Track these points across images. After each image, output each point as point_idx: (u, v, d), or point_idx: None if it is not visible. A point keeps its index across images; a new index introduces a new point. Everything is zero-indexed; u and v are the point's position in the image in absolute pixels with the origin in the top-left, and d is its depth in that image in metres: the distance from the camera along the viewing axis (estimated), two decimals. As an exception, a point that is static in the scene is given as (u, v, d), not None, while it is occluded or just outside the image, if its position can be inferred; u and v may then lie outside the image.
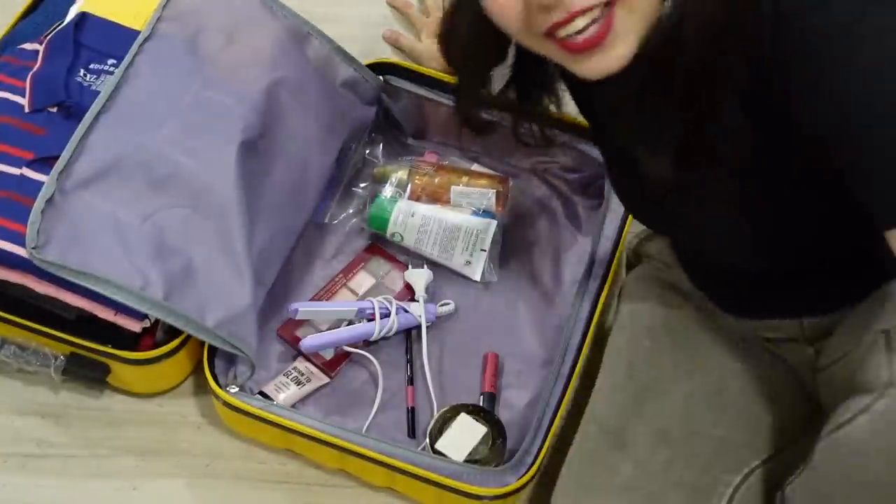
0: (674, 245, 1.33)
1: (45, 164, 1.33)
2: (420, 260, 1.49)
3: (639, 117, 1.04)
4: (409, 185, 1.52)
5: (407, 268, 1.49)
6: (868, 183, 0.90)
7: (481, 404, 1.37)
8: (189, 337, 1.37)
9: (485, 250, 1.48)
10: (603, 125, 1.19)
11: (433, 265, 1.49)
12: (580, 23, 0.93)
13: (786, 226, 1.06)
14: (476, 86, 1.18)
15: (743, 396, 1.24)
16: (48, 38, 1.46)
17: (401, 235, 1.49)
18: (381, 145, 1.60)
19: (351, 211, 1.55)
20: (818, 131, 0.91)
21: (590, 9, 0.92)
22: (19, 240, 1.28)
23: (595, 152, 1.48)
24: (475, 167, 1.59)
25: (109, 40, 1.44)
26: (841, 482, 1.01)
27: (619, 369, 1.29)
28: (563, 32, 0.94)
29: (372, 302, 1.43)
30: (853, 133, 0.89)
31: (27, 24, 1.54)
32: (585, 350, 1.39)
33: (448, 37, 1.17)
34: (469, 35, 1.10)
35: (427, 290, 1.47)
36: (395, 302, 1.44)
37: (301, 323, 1.44)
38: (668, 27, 0.95)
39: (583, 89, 1.15)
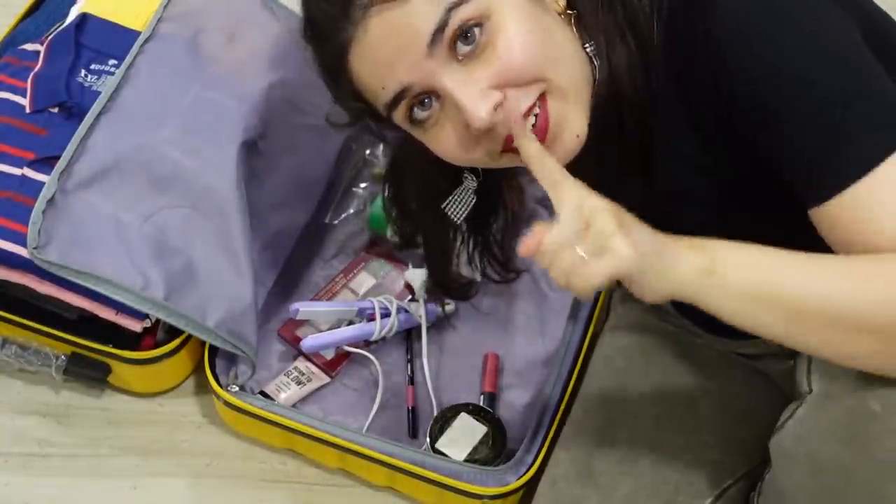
0: None
1: (46, 164, 1.33)
2: (420, 260, 1.49)
3: (599, 171, 1.04)
4: (410, 186, 1.52)
5: (407, 268, 1.50)
6: (795, 162, 0.91)
7: (481, 404, 1.38)
8: (190, 337, 1.37)
9: (485, 250, 1.48)
10: None
11: (433, 265, 1.49)
12: (528, 125, 0.94)
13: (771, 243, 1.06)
14: (443, 232, 1.20)
15: (717, 415, 1.23)
16: (49, 38, 1.46)
17: (401, 235, 1.49)
18: (381, 145, 1.60)
19: (351, 211, 1.55)
20: (745, 116, 0.92)
21: (528, 112, 0.94)
22: (21, 240, 1.28)
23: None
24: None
25: (110, 41, 1.45)
26: (784, 484, 1.01)
27: (592, 393, 1.29)
28: (518, 141, 0.95)
29: (372, 302, 1.44)
30: (774, 112, 0.89)
31: (28, 24, 1.54)
32: (585, 350, 1.39)
33: (399, 196, 1.22)
34: (420, 173, 1.13)
35: (427, 290, 1.47)
36: (395, 302, 1.44)
37: (301, 323, 1.44)
38: (604, 85, 0.97)
39: None
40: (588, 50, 0.97)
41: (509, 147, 0.96)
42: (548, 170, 0.90)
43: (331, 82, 0.99)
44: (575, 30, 0.97)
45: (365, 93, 0.97)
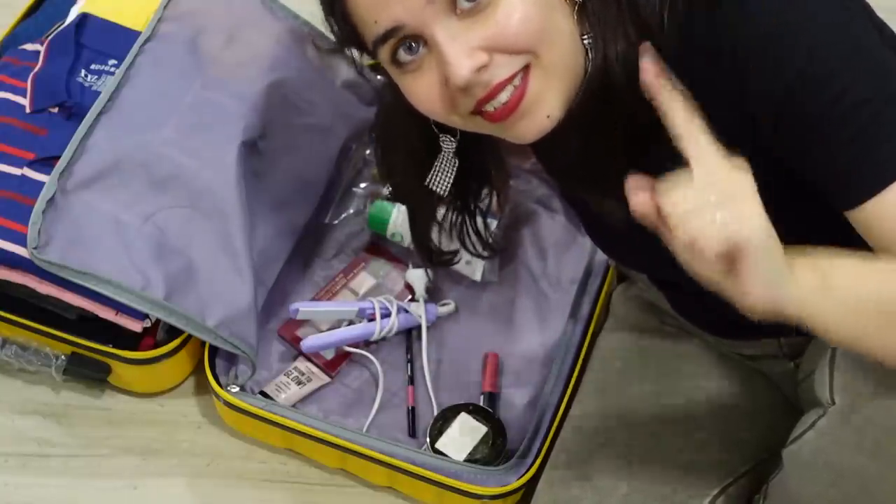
0: (652, 279, 1.32)
1: (46, 164, 1.33)
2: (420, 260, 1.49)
3: (585, 165, 1.05)
4: (409, 186, 1.52)
5: (407, 268, 1.50)
6: (825, 165, 0.89)
7: (481, 404, 1.38)
8: (190, 337, 1.37)
9: (485, 250, 1.48)
10: (559, 180, 1.20)
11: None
12: (503, 96, 0.94)
13: None
14: (426, 202, 1.18)
15: (715, 415, 1.23)
16: (49, 38, 1.46)
17: (401, 235, 1.49)
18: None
19: (351, 211, 1.55)
20: (774, 121, 0.91)
21: (509, 80, 0.93)
22: (21, 240, 1.28)
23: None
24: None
25: (110, 41, 1.45)
26: (799, 492, 1.01)
27: (590, 395, 1.29)
28: (488, 107, 0.94)
29: (372, 302, 1.44)
30: (804, 115, 0.88)
31: (28, 24, 1.54)
32: (585, 350, 1.39)
33: (386, 151, 1.20)
34: (403, 137, 1.11)
35: (427, 290, 1.47)
36: (395, 302, 1.44)
37: (301, 323, 1.44)
38: (595, 77, 0.96)
39: (536, 151, 1.16)
40: (585, 42, 0.96)
41: (479, 109, 0.95)
42: (691, 128, 0.86)
43: (327, 5, 0.97)
44: (577, 19, 0.97)
45: (357, 23, 0.96)
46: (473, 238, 1.25)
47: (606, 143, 1.00)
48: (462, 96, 0.94)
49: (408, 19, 0.92)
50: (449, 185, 1.11)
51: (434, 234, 1.24)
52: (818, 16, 0.90)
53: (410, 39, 0.93)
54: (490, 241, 1.28)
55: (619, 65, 0.95)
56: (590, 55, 0.96)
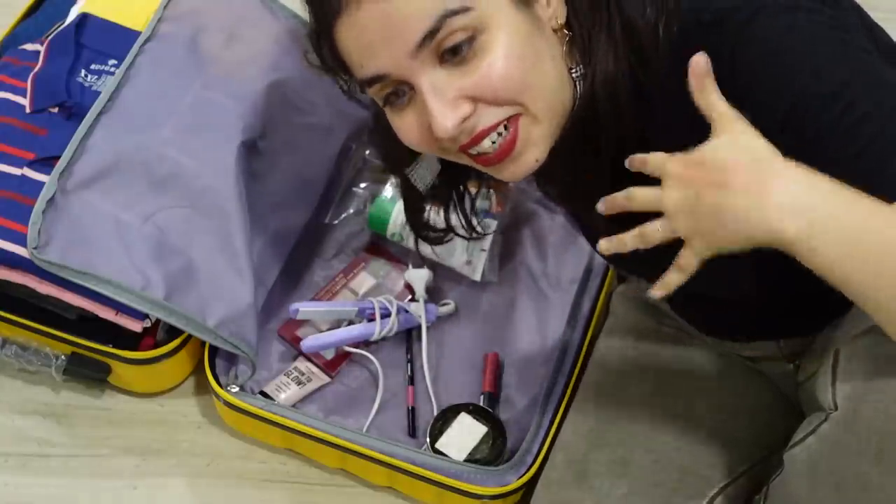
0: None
1: (46, 164, 1.34)
2: (420, 260, 1.50)
3: (573, 179, 1.06)
4: (410, 186, 1.52)
5: (407, 268, 1.50)
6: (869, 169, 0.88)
7: (481, 404, 1.38)
8: (190, 337, 1.37)
9: (485, 250, 1.48)
10: (550, 197, 1.21)
11: (433, 265, 1.49)
12: (486, 143, 0.95)
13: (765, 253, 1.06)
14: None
15: (713, 415, 1.23)
16: (49, 38, 1.46)
17: (401, 235, 1.49)
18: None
19: (351, 211, 1.55)
20: (776, 136, 0.89)
21: (493, 128, 0.94)
22: (21, 240, 1.28)
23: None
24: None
25: (110, 41, 1.45)
26: (800, 496, 1.01)
27: (588, 395, 1.29)
28: (473, 151, 0.96)
29: (372, 302, 1.44)
30: (810, 132, 0.88)
31: (28, 24, 1.54)
32: (585, 349, 1.39)
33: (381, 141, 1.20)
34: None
35: (427, 290, 1.47)
36: (395, 302, 1.44)
37: (301, 323, 1.44)
38: (582, 109, 0.97)
39: None
40: (574, 75, 0.97)
41: (465, 150, 0.97)
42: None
43: (315, 37, 0.99)
44: (567, 51, 0.97)
45: (345, 59, 0.97)
46: (459, 217, 1.25)
47: (592, 166, 1.01)
48: (447, 142, 0.96)
49: (392, 69, 0.93)
50: (429, 185, 1.12)
51: (428, 213, 1.24)
52: (818, 35, 0.90)
53: (396, 85, 0.95)
54: (474, 221, 1.27)
55: (604, 91, 0.96)
56: (578, 88, 0.97)
